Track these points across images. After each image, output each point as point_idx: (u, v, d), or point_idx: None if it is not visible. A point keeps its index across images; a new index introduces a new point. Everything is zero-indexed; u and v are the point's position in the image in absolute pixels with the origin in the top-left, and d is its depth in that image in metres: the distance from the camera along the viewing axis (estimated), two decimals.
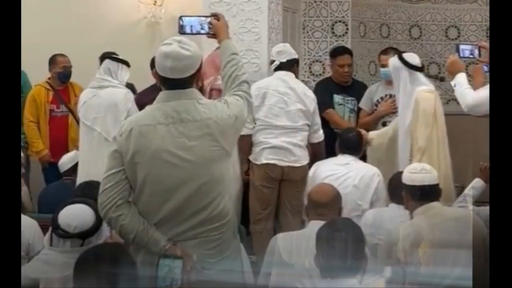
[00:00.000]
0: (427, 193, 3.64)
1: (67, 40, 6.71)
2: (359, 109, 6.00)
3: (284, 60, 5.22)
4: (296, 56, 5.39)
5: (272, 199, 5.21)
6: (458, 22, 7.49)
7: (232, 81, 3.14)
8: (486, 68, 4.35)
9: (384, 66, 5.52)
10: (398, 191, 3.84)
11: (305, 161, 5.20)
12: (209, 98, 4.58)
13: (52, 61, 6.20)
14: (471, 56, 4.38)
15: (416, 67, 4.70)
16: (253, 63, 5.60)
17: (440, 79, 7.15)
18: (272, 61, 5.28)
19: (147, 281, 2.81)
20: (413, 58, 4.76)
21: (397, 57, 4.76)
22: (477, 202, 4.44)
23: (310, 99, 5.25)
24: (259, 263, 4.01)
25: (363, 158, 4.98)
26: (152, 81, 5.26)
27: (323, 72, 6.85)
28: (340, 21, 6.91)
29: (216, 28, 3.26)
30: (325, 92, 5.94)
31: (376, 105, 5.88)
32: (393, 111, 5.49)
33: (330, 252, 2.73)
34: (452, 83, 4.34)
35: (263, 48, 5.60)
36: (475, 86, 4.30)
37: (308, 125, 5.23)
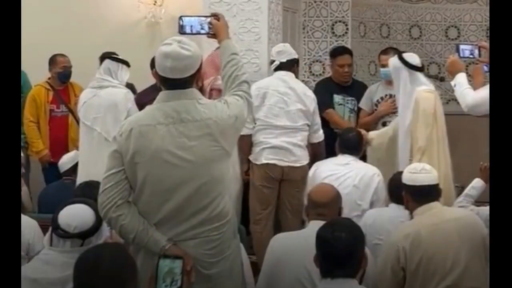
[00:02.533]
0: (427, 193, 3.63)
1: (67, 40, 6.71)
2: (359, 109, 5.99)
3: (284, 60, 5.22)
4: (296, 56, 5.38)
5: (272, 199, 5.20)
6: (458, 22, 7.49)
7: (232, 81, 3.14)
8: (486, 68, 4.35)
9: (384, 66, 5.52)
10: (398, 191, 3.83)
11: (305, 161, 5.19)
12: (209, 98, 4.58)
13: (52, 61, 6.20)
14: (471, 56, 4.38)
15: (416, 67, 4.70)
16: (253, 63, 5.60)
17: (440, 79, 7.15)
18: (272, 61, 5.28)
19: (147, 281, 2.81)
20: (413, 58, 4.76)
21: (397, 57, 4.75)
22: (477, 202, 4.44)
23: (310, 99, 5.25)
24: (259, 263, 4.02)
25: (363, 158, 4.98)
26: (152, 81, 5.26)
27: (323, 72, 6.85)
28: (340, 21, 6.91)
29: (216, 28, 3.26)
30: (325, 92, 5.93)
31: (376, 105, 5.87)
32: (393, 111, 5.48)
33: (330, 252, 2.73)
34: (452, 83, 4.34)
35: (263, 48, 5.60)
36: (475, 86, 4.30)
37: (308, 125, 5.23)
